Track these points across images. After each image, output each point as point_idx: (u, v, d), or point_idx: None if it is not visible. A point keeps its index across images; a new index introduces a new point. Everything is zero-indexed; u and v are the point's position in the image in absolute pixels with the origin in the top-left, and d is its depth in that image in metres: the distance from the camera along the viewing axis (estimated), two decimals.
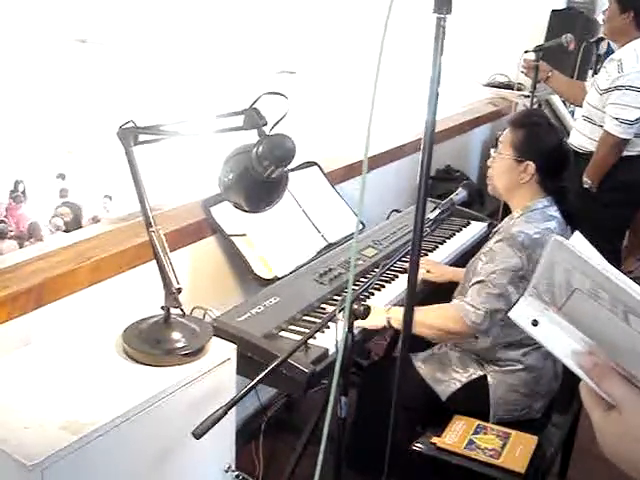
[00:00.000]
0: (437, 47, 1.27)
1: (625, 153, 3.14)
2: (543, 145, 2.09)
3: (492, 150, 2.19)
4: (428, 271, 2.37)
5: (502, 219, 2.27)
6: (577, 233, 0.74)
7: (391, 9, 1.08)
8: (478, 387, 2.08)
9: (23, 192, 10.10)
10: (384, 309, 2.02)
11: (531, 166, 2.06)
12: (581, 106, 3.35)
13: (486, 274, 1.97)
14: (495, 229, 2.20)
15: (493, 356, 2.08)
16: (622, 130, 3.04)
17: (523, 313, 0.73)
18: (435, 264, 2.45)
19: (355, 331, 1.63)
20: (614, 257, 3.36)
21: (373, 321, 1.93)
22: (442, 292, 2.28)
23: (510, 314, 0.74)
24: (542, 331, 0.72)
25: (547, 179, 2.09)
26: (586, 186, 3.20)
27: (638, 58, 3.04)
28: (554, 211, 2.08)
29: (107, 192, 9.98)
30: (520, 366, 2.06)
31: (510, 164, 2.09)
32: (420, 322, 1.89)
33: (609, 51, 3.98)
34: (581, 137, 3.29)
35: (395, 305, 2.11)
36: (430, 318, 1.97)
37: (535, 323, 0.72)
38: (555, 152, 2.11)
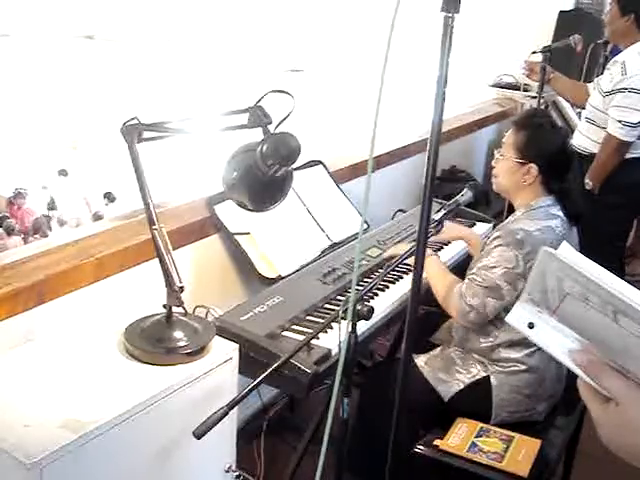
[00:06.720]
0: (444, 47, 1.25)
1: (627, 155, 3.13)
2: (546, 147, 2.08)
3: (496, 151, 2.18)
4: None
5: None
6: (565, 243, 0.79)
7: (398, 8, 1.07)
8: (481, 388, 2.07)
9: (21, 188, 10.11)
10: None
11: (534, 168, 2.06)
12: (584, 107, 3.34)
13: (478, 268, 2.00)
14: (498, 227, 2.19)
15: (496, 356, 2.07)
16: (625, 133, 3.03)
17: (519, 317, 0.77)
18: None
19: (359, 331, 1.62)
20: (616, 258, 3.35)
21: None
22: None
23: (507, 318, 0.78)
24: (538, 333, 0.77)
25: (551, 180, 2.09)
26: (588, 188, 3.19)
27: None
28: (557, 210, 2.08)
29: (111, 189, 9.97)
30: (523, 367, 2.05)
31: (513, 166, 2.09)
32: (433, 283, 2.12)
33: (616, 52, 3.96)
34: (583, 139, 3.27)
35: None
36: (439, 286, 2.10)
37: (531, 326, 0.77)
38: (558, 154, 2.11)
